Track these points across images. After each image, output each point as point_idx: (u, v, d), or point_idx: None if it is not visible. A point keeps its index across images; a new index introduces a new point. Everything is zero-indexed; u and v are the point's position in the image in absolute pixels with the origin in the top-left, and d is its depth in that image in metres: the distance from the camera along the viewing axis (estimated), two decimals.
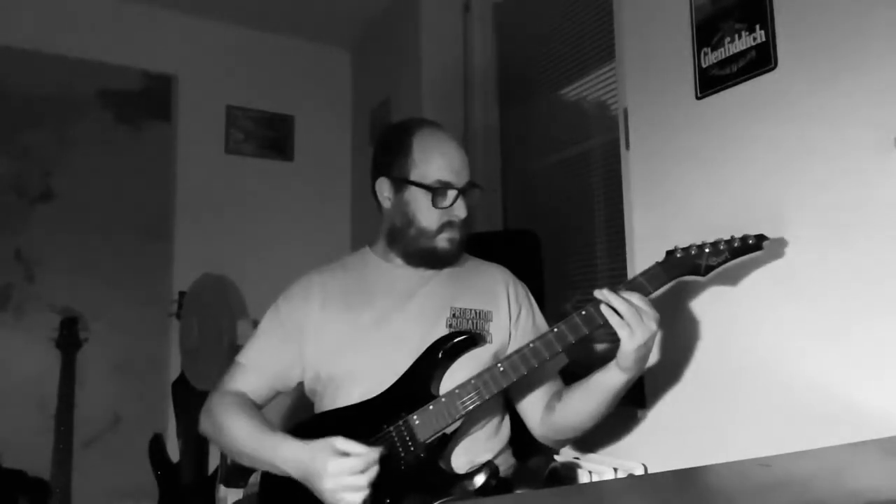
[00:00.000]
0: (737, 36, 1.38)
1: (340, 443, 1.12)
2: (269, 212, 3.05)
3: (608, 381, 1.21)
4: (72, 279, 2.71)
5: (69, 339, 2.60)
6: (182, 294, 2.68)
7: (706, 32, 1.45)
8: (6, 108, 2.68)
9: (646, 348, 1.15)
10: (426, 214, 1.33)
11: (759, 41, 1.33)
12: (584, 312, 1.17)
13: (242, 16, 3.01)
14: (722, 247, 1.16)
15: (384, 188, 1.39)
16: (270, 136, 3.13)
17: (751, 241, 1.16)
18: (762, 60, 1.32)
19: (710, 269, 1.16)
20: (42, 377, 2.57)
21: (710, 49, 1.44)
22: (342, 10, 2.99)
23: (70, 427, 2.51)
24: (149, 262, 2.87)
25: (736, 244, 1.16)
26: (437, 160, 1.33)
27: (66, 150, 2.77)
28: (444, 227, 1.34)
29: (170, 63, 2.95)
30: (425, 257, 1.37)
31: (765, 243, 1.16)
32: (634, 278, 1.18)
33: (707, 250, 1.16)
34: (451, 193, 1.33)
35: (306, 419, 1.32)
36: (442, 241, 1.34)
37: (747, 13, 1.36)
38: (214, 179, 2.97)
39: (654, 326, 1.13)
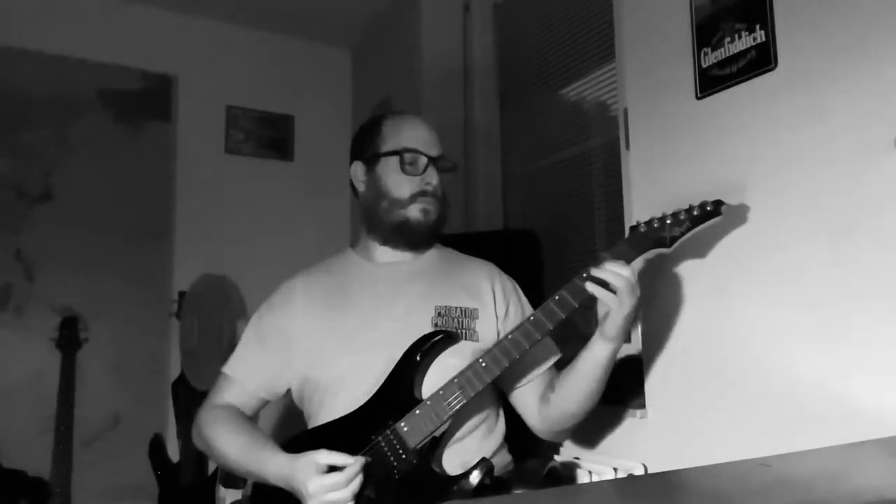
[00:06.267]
0: (737, 36, 1.38)
1: (323, 457, 1.12)
2: (269, 212, 3.05)
3: (596, 356, 1.22)
4: (72, 279, 2.71)
5: (69, 339, 2.59)
6: (182, 294, 2.68)
7: (706, 32, 1.45)
8: (6, 108, 2.68)
9: (632, 316, 1.18)
10: (397, 182, 1.34)
11: (759, 41, 1.33)
12: (557, 297, 1.19)
13: (242, 16, 3.01)
14: (682, 216, 1.20)
15: (358, 172, 1.41)
16: (270, 136, 3.12)
17: (709, 208, 1.19)
18: (762, 60, 1.32)
19: (674, 239, 1.20)
20: (42, 377, 2.57)
21: (710, 49, 1.44)
22: (342, 10, 2.99)
23: (70, 427, 2.51)
24: (149, 262, 2.87)
25: (695, 212, 1.19)
26: (405, 132, 1.36)
27: (66, 150, 2.77)
28: (416, 196, 1.33)
29: (170, 63, 2.95)
30: (401, 232, 1.35)
31: (723, 208, 1.19)
32: (601, 256, 1.20)
33: (668, 221, 1.21)
34: (421, 159, 1.34)
35: (297, 435, 1.30)
36: (414, 211, 1.33)
37: (747, 13, 1.35)
38: (214, 179, 2.96)
39: (638, 292, 1.17)
